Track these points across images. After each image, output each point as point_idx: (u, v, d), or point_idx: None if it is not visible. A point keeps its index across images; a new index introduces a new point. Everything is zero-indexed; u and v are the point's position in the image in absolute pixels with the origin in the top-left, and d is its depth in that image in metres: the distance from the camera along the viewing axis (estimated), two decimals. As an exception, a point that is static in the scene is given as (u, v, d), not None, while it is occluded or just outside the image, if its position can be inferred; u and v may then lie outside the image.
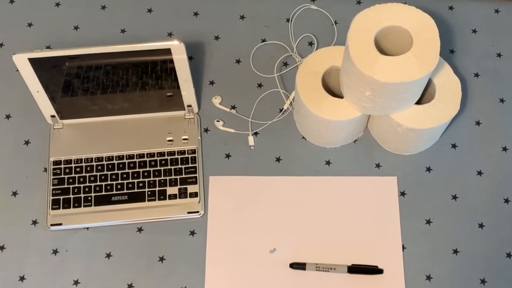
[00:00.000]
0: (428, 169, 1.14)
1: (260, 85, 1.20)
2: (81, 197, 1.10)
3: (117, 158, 1.13)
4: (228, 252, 1.08)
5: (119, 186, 1.11)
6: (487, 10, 1.27)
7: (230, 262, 1.07)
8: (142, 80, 1.08)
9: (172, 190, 1.11)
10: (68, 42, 1.24)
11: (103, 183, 1.11)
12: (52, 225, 1.09)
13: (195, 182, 1.12)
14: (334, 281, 1.06)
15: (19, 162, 1.14)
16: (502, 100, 1.19)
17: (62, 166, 1.13)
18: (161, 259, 1.08)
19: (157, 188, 1.11)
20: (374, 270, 1.07)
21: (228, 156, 1.15)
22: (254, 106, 1.18)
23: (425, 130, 1.06)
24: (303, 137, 1.17)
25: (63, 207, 1.10)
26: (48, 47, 1.23)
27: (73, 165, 1.13)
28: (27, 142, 1.16)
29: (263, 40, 1.24)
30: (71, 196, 1.10)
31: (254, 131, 1.17)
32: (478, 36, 1.25)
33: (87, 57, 1.03)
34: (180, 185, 1.11)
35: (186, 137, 1.15)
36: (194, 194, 1.11)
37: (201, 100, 1.19)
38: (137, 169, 1.12)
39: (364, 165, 1.14)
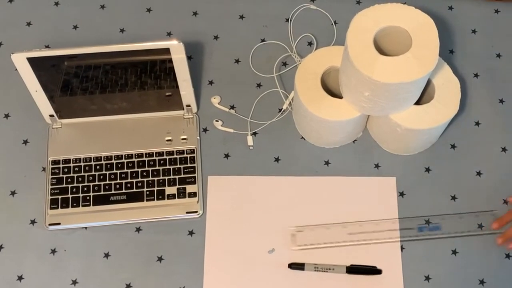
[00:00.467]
0: (427, 170, 1.14)
1: (259, 85, 1.20)
2: (79, 196, 1.10)
3: (115, 158, 1.13)
4: (227, 252, 1.08)
5: (117, 186, 1.11)
6: (486, 10, 1.27)
7: (228, 262, 1.07)
8: (141, 79, 1.08)
9: (170, 190, 1.11)
10: (67, 42, 1.23)
11: (102, 183, 1.11)
12: (50, 224, 1.09)
13: (193, 182, 1.11)
14: (333, 281, 1.06)
15: (18, 162, 1.14)
16: (501, 101, 1.19)
17: (61, 165, 1.12)
18: (160, 259, 1.08)
19: (155, 188, 1.11)
20: (372, 271, 1.06)
21: (227, 156, 1.15)
22: (253, 106, 1.18)
23: (425, 131, 1.06)
24: (302, 137, 1.16)
25: (62, 207, 1.10)
26: (47, 47, 1.23)
27: (71, 164, 1.12)
28: (25, 142, 1.16)
29: (263, 40, 1.24)
30: (70, 195, 1.10)
31: (253, 131, 1.17)
32: (478, 36, 1.25)
33: (86, 56, 1.03)
34: (178, 185, 1.11)
35: (185, 137, 1.15)
36: (193, 194, 1.11)
37: (200, 99, 1.19)
38: (136, 169, 1.12)
39: (363, 165, 1.14)
